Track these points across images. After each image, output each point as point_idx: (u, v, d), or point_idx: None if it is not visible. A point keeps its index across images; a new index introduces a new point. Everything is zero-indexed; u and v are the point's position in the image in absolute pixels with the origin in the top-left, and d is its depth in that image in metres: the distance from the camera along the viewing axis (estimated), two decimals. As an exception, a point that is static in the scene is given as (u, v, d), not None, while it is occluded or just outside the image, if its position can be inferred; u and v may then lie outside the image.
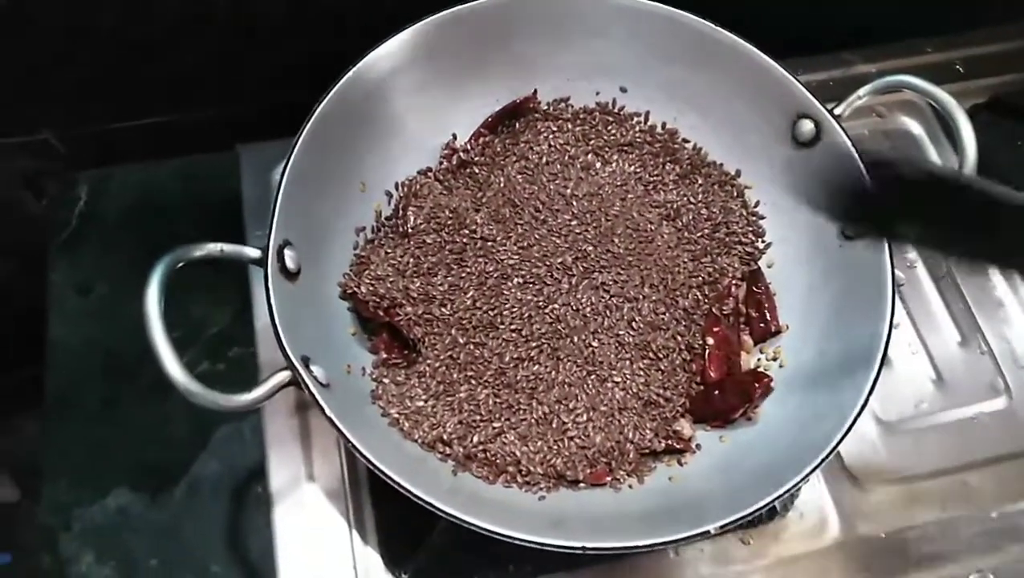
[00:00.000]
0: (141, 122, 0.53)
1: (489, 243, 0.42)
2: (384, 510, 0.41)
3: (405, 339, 0.41)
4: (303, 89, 0.39)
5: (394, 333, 0.41)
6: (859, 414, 0.35)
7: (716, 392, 0.40)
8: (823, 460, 0.34)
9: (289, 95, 0.39)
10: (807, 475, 0.34)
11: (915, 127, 0.54)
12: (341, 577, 0.40)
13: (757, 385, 0.39)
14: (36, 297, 0.50)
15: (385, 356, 0.41)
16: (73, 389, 0.47)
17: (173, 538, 0.43)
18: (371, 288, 0.40)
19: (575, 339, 0.41)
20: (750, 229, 0.45)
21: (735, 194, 0.45)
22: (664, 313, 0.42)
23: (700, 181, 0.45)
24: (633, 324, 0.41)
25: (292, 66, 0.45)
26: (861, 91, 0.41)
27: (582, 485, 0.38)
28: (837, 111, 0.41)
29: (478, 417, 0.39)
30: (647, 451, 0.39)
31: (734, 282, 0.43)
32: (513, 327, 0.40)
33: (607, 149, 0.46)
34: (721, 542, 0.42)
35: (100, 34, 0.47)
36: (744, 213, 0.45)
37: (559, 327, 0.41)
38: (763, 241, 0.45)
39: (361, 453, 0.33)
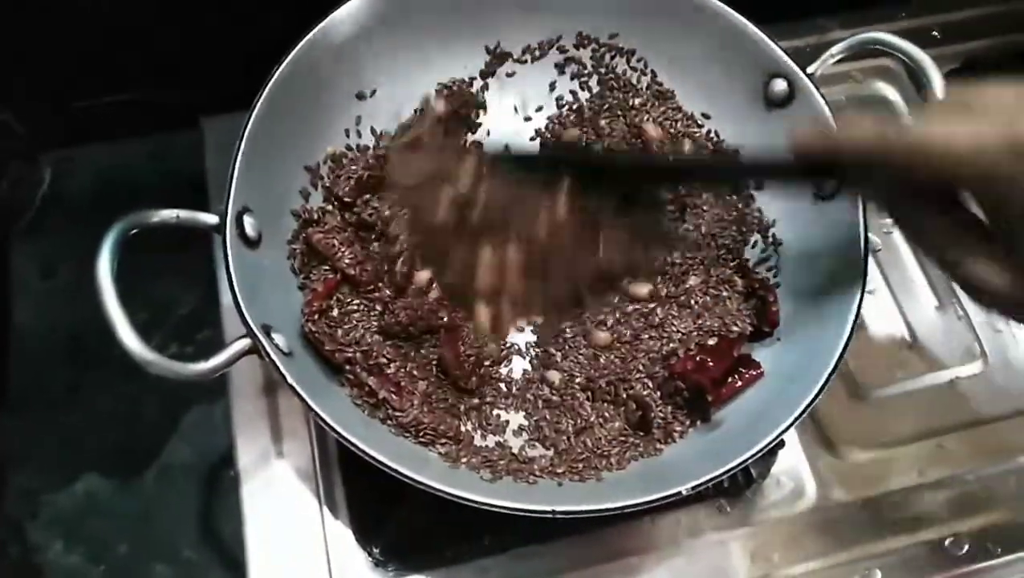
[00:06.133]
0: (106, 100, 0.52)
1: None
2: (354, 486, 0.40)
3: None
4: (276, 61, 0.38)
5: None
6: (831, 375, 0.35)
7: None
8: (795, 420, 0.34)
9: (262, 68, 0.38)
10: (778, 436, 0.33)
11: (891, 92, 0.54)
12: (311, 554, 0.39)
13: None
14: (-2, 283, 0.49)
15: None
16: (39, 374, 0.47)
17: (144, 523, 0.42)
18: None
19: None
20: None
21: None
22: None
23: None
24: None
25: (265, 37, 0.43)
26: (834, 49, 0.40)
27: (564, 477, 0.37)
28: (810, 70, 0.41)
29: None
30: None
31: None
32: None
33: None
34: (698, 511, 0.41)
35: (62, 10, 0.46)
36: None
37: None
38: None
39: (324, 420, 0.32)
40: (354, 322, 0.39)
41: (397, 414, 0.37)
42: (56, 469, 0.44)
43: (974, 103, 0.26)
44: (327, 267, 0.40)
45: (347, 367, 0.37)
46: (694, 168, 0.42)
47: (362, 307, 0.39)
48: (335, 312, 0.39)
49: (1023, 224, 0.26)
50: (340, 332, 0.38)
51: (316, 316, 0.38)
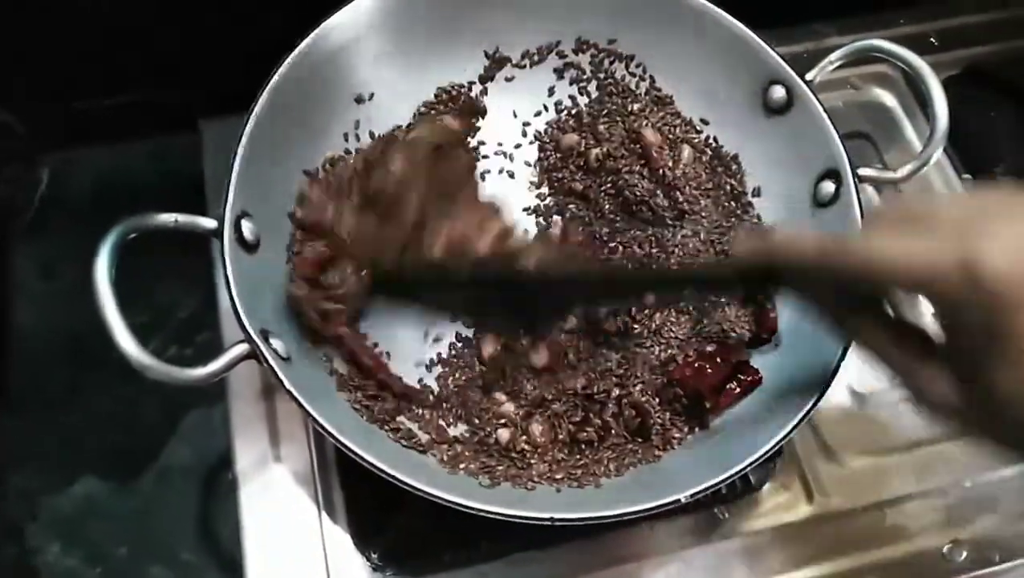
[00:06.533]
0: (106, 101, 0.52)
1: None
2: (353, 491, 0.40)
3: None
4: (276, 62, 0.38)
5: None
6: (830, 382, 0.35)
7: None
8: (794, 428, 0.34)
9: (263, 69, 0.38)
10: (777, 443, 0.33)
11: (889, 99, 0.54)
12: (309, 558, 0.39)
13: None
14: (-3, 284, 0.49)
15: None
16: (38, 375, 0.46)
17: (142, 526, 0.42)
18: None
19: None
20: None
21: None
22: None
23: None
24: None
25: (265, 38, 0.43)
26: (833, 56, 0.40)
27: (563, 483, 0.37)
28: (809, 76, 0.41)
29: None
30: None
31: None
32: None
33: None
34: (697, 517, 0.41)
35: (62, 10, 0.46)
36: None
37: None
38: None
39: (322, 426, 0.32)
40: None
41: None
42: (55, 470, 0.43)
43: (922, 217, 0.25)
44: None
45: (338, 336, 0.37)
46: (632, 283, 0.40)
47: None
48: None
49: (970, 340, 0.24)
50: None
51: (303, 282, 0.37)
